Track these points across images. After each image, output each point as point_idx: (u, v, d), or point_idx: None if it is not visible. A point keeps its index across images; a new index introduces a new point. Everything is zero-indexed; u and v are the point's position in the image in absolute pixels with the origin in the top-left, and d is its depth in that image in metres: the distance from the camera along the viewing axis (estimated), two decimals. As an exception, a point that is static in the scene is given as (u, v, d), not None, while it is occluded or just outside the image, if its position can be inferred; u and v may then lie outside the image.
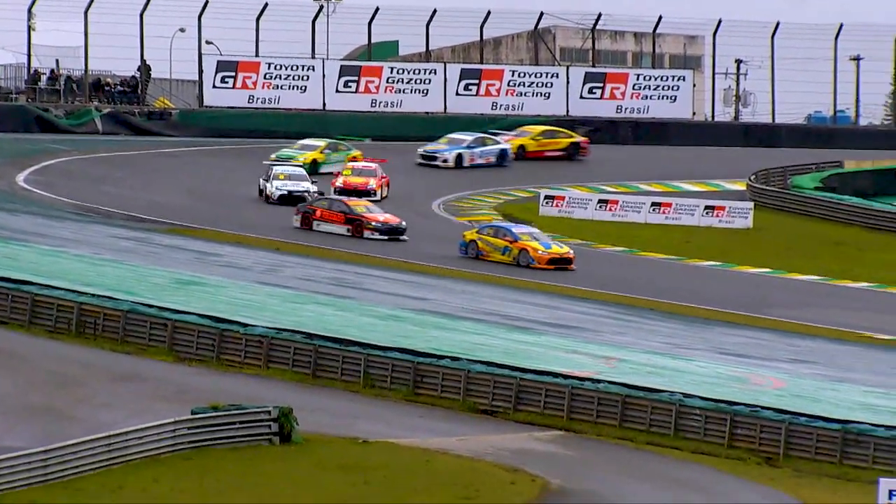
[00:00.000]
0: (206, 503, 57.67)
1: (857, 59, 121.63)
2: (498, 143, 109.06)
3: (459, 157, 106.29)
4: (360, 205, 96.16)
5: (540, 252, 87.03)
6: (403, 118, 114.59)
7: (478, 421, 66.95)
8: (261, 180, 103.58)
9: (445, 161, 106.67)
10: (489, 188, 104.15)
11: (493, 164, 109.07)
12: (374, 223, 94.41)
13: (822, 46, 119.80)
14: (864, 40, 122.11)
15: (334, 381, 69.88)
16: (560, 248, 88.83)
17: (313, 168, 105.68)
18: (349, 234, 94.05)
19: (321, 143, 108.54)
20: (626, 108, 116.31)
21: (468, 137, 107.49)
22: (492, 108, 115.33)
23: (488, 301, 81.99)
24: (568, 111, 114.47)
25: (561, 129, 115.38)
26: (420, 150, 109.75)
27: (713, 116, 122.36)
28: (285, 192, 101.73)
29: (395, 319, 76.94)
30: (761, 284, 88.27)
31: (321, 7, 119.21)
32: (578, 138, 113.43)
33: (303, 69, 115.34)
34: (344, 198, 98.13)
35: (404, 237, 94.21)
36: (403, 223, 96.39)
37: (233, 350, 71.64)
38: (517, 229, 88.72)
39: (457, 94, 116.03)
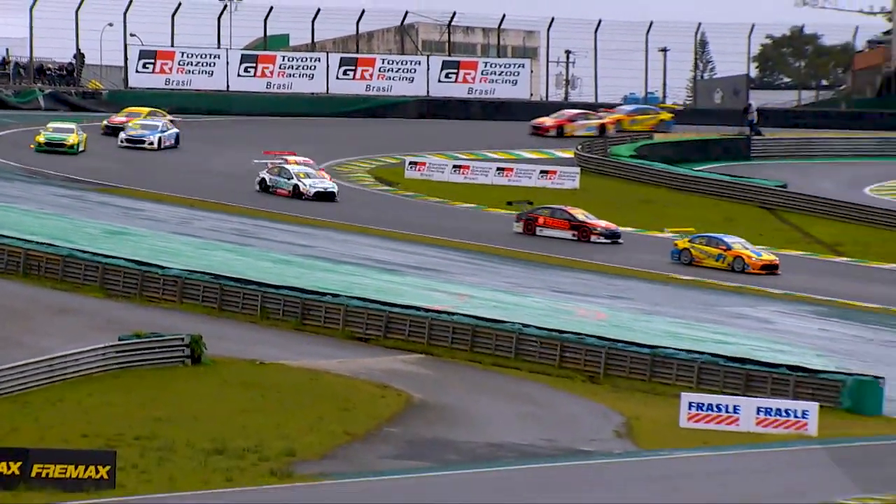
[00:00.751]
0: (124, 402, 57.61)
1: (665, 50, 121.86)
2: (174, 129, 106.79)
3: (160, 140, 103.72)
4: (579, 212, 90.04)
5: (753, 259, 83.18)
6: (293, 98, 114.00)
7: (354, 346, 66.98)
8: (265, 175, 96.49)
9: (151, 144, 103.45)
10: (363, 155, 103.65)
11: (173, 146, 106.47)
12: (598, 229, 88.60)
13: (636, 40, 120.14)
14: (670, 35, 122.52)
15: (236, 313, 69.81)
16: (769, 256, 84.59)
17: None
18: (574, 238, 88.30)
19: (73, 125, 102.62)
20: (476, 90, 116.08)
21: (158, 123, 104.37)
22: (366, 90, 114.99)
23: (364, 249, 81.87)
24: (428, 92, 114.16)
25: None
26: (123, 136, 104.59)
27: (547, 97, 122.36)
28: (321, 189, 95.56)
29: (287, 263, 76.80)
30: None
31: (225, 6, 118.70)
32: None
33: (210, 57, 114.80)
34: (566, 207, 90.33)
35: (620, 241, 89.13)
36: (619, 229, 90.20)
37: (153, 288, 71.44)
38: (728, 239, 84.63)
39: (337, 78, 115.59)
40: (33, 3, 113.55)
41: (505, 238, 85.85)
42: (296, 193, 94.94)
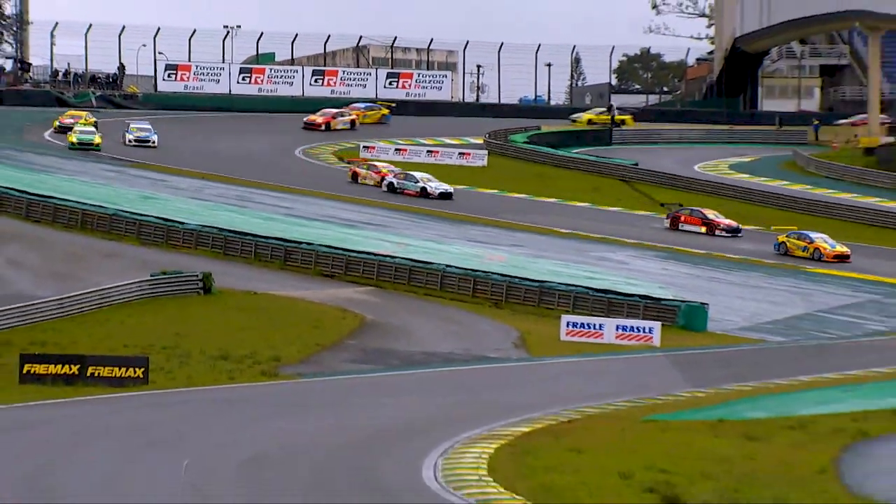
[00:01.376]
0: (154, 322, 57.48)
1: (549, 65, 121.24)
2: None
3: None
4: (711, 213, 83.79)
5: (828, 250, 76.89)
6: (279, 99, 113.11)
7: (322, 281, 66.70)
8: (393, 179, 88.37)
9: (154, 142, 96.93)
10: (329, 141, 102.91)
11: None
12: (721, 226, 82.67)
13: (528, 57, 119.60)
14: (553, 54, 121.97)
15: (236, 257, 69.38)
16: (841, 248, 77.58)
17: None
18: (706, 233, 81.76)
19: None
20: (411, 94, 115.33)
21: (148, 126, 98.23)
22: (331, 94, 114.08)
23: (330, 210, 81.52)
24: (377, 96, 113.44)
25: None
26: (131, 137, 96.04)
27: (464, 99, 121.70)
28: (444, 191, 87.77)
29: (273, 220, 76.38)
30: (493, 199, 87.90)
31: (228, 31, 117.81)
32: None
33: (217, 69, 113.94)
34: (702, 209, 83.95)
35: (740, 235, 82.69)
36: (739, 226, 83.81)
37: (175, 238, 71.01)
38: (813, 234, 78.46)
39: (310, 84, 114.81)
40: (87, 30, 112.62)
41: (428, 203, 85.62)
42: (423, 194, 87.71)
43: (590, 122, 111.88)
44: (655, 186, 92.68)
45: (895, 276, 73.37)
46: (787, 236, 79.42)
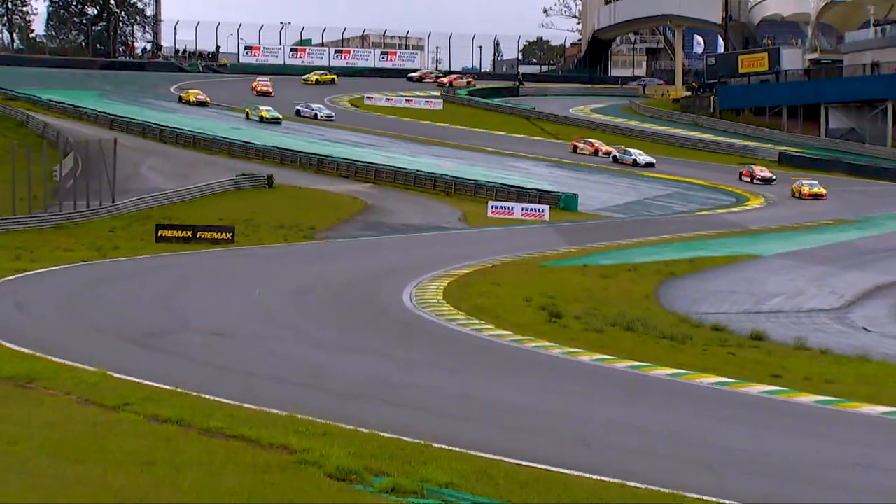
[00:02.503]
0: (237, 204, 57.02)
1: (480, 47, 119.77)
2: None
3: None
4: (759, 169, 71.72)
5: (806, 191, 64.71)
6: (314, 67, 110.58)
7: (341, 180, 66.31)
8: (615, 153, 75.96)
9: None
10: (347, 94, 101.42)
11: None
12: (759, 177, 70.89)
13: (467, 43, 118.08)
14: (484, 41, 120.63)
15: (288, 164, 68.87)
16: (817, 190, 65.76)
17: None
18: (748, 181, 70.82)
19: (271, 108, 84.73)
20: (396, 66, 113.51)
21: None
22: (347, 64, 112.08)
23: (346, 135, 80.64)
24: (374, 65, 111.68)
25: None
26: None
27: (427, 68, 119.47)
28: (648, 161, 74.60)
29: (311, 143, 75.71)
30: (445, 130, 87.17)
31: (282, 25, 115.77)
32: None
33: (276, 49, 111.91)
34: (753, 166, 72.23)
35: (773, 182, 70.40)
36: (773, 176, 71.31)
37: (251, 153, 70.47)
38: (806, 181, 66.39)
39: (333, 59, 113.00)
40: (197, 24, 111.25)
41: (410, 128, 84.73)
42: (634, 164, 74.40)
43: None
44: (546, 122, 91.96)
45: (689, 177, 72.99)
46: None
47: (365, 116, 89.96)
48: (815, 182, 67.68)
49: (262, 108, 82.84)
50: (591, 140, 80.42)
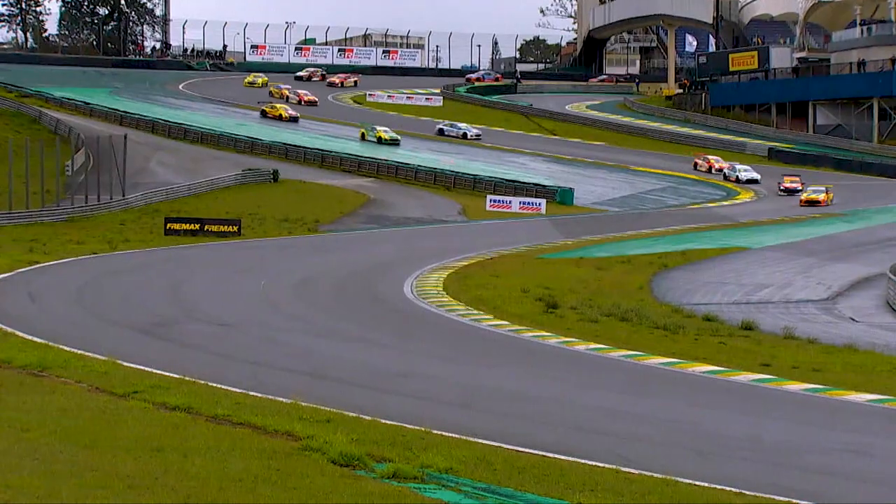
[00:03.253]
0: (243, 198, 57.00)
1: (479, 45, 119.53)
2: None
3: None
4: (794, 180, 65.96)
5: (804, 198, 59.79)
6: (317, 65, 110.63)
7: (344, 175, 66.28)
8: (727, 170, 70.04)
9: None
10: (349, 91, 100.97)
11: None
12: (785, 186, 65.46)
13: (466, 42, 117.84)
14: (482, 39, 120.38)
15: (293, 160, 68.82)
16: (815, 196, 60.19)
17: None
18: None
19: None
20: (398, 63, 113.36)
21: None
22: (350, 62, 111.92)
23: (348, 131, 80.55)
24: (376, 63, 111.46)
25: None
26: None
27: (428, 66, 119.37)
28: (751, 178, 69.10)
29: (315, 138, 75.66)
30: (436, 126, 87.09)
31: (287, 25, 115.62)
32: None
33: (281, 48, 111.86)
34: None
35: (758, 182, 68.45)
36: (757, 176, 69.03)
37: (258, 148, 70.41)
38: (811, 186, 61.88)
39: (336, 57, 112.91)
40: (204, 24, 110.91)
41: (411, 124, 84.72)
42: (737, 180, 68.83)
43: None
44: (543, 118, 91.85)
45: (682, 172, 72.94)
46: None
47: (367, 113, 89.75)
48: (822, 188, 61.76)
49: (379, 128, 75.63)
50: (708, 157, 75.07)
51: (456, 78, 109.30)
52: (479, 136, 79.88)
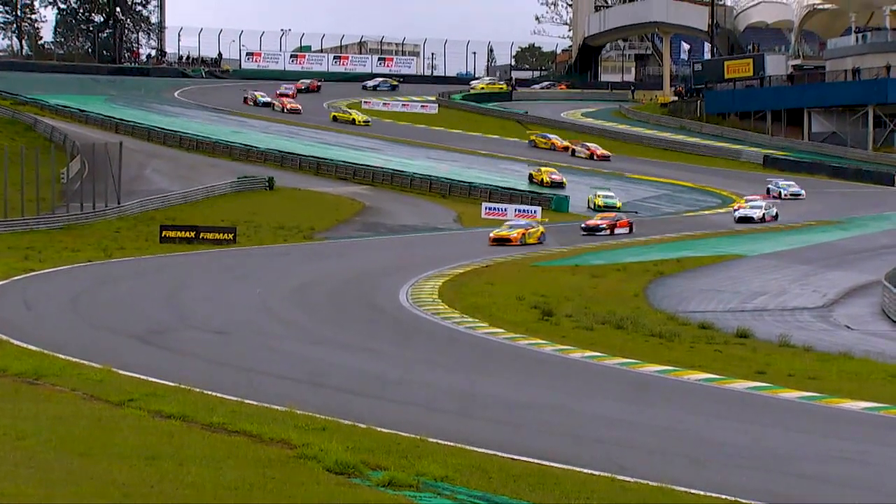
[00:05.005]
0: (239, 206, 56.95)
1: (474, 53, 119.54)
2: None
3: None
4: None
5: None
6: (315, 73, 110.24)
7: (340, 182, 66.24)
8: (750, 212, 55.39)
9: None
10: (346, 98, 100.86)
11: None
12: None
13: (461, 49, 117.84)
14: (477, 46, 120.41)
15: (288, 167, 68.80)
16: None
17: None
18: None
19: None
20: (393, 71, 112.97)
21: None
22: (345, 69, 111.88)
23: (346, 139, 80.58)
24: (372, 71, 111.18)
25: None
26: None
27: (423, 73, 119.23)
28: (796, 193, 64.28)
29: (311, 146, 75.66)
30: (441, 133, 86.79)
31: (282, 32, 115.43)
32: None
33: (276, 55, 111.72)
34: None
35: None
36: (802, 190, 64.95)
37: (253, 155, 70.39)
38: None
39: (331, 64, 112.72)
40: (199, 31, 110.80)
41: (410, 132, 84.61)
42: (778, 196, 63.41)
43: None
44: (538, 126, 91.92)
45: (681, 180, 73.01)
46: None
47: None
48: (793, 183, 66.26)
49: (599, 192, 61.60)
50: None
51: (452, 85, 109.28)
52: (800, 195, 64.76)
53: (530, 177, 67.98)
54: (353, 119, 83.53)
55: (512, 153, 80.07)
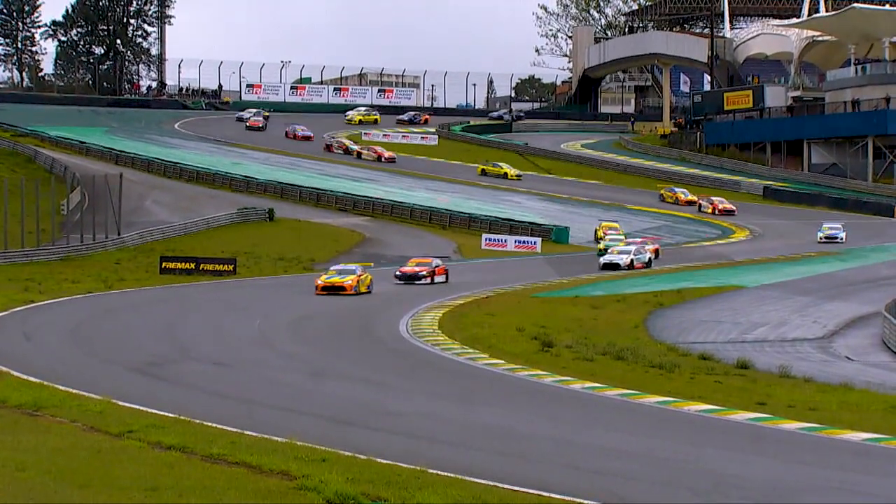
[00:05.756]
0: (239, 237, 57.02)
1: (475, 84, 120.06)
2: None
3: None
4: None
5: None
6: (315, 104, 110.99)
7: (339, 214, 66.30)
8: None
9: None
10: (346, 130, 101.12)
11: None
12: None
13: (462, 80, 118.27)
14: (477, 78, 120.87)
15: (288, 198, 68.90)
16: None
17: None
18: None
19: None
20: (393, 102, 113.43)
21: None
22: (345, 101, 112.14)
23: (347, 171, 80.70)
24: (372, 102, 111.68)
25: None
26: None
27: (423, 104, 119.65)
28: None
29: (310, 177, 75.81)
30: (441, 165, 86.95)
31: (283, 64, 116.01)
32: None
33: (276, 87, 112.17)
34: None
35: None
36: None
37: (253, 187, 70.54)
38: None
39: (332, 96, 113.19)
40: (200, 63, 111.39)
41: (406, 163, 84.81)
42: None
43: (359, 121, 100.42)
44: (538, 157, 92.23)
45: (678, 211, 73.15)
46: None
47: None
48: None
49: (604, 222, 61.82)
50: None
51: (452, 117, 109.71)
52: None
53: (699, 207, 70.71)
54: (506, 173, 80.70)
55: (513, 184, 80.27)
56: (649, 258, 51.30)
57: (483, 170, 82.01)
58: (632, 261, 49.97)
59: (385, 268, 51.11)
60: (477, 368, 24.96)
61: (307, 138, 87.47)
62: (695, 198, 75.36)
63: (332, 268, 42.35)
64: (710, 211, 72.75)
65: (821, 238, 61.05)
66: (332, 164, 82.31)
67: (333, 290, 39.65)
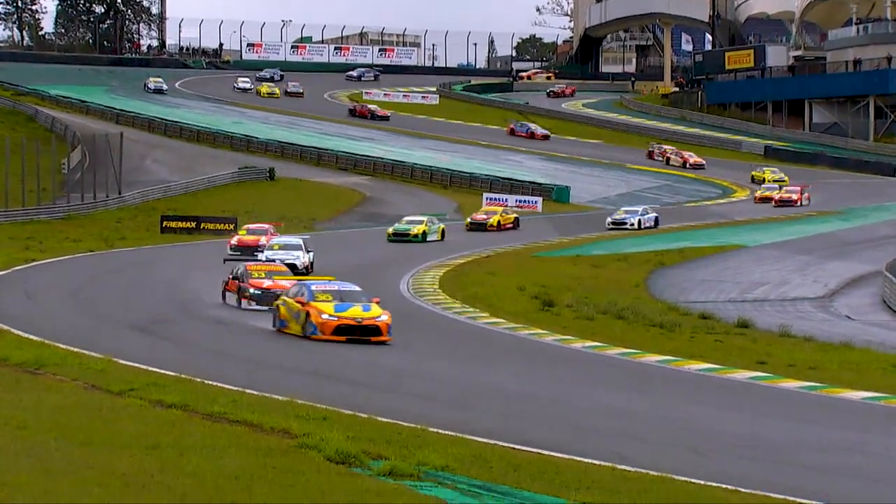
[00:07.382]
0: (240, 196, 56.95)
1: (475, 44, 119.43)
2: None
3: None
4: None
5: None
6: (315, 63, 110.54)
7: (340, 173, 66.21)
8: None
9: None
10: (346, 90, 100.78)
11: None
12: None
13: (462, 40, 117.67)
14: (478, 38, 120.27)
15: (289, 157, 68.79)
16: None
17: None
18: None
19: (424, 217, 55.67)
20: (394, 61, 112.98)
21: None
22: (346, 60, 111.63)
23: (346, 129, 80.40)
24: (373, 62, 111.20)
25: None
26: None
27: (424, 64, 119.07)
28: None
29: (309, 136, 75.61)
30: (441, 124, 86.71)
31: (283, 23, 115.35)
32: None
33: (277, 46, 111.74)
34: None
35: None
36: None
37: (254, 146, 70.40)
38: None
39: (332, 55, 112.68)
40: (200, 22, 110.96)
41: (407, 122, 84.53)
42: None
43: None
44: (538, 116, 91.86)
45: (676, 170, 72.94)
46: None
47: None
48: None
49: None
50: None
51: (452, 76, 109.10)
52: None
53: (667, 160, 71.76)
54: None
55: (513, 143, 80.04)
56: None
57: (511, 129, 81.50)
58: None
59: (384, 226, 51.02)
60: (478, 327, 24.94)
61: (298, 94, 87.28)
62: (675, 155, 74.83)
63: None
64: (680, 164, 73.55)
65: (609, 224, 50.11)
66: (333, 124, 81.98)
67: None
